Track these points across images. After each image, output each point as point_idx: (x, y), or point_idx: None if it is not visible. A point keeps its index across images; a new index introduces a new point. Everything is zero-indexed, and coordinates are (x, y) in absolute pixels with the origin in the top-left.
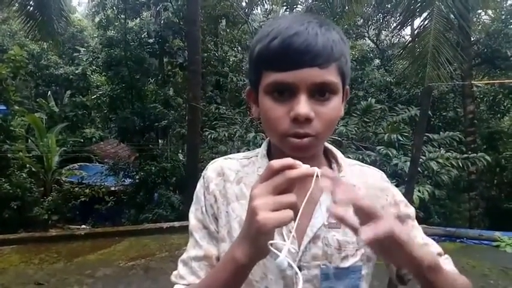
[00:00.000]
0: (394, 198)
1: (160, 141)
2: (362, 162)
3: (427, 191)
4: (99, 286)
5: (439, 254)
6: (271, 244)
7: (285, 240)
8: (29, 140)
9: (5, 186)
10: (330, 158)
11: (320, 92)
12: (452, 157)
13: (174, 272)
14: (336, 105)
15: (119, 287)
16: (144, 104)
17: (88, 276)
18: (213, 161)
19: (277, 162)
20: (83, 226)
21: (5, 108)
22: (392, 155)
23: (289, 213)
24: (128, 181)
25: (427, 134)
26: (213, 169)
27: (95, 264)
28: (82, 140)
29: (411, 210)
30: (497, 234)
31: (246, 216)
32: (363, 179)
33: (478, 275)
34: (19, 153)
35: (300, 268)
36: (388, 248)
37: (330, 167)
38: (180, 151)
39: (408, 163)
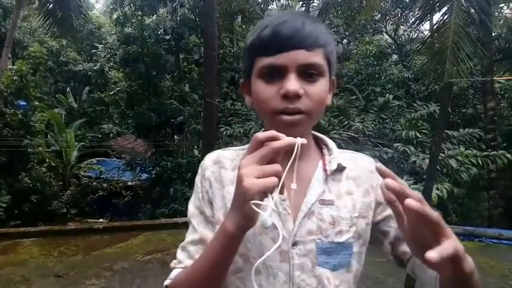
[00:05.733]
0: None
1: (176, 137)
2: (379, 159)
3: (446, 189)
4: (117, 279)
5: None
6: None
7: (274, 212)
8: (49, 135)
9: (25, 180)
10: (320, 145)
11: (308, 74)
12: (471, 155)
13: (174, 260)
14: (323, 87)
15: (137, 281)
16: (161, 100)
17: (106, 269)
18: (212, 152)
19: (262, 134)
20: (101, 220)
21: (25, 103)
22: (410, 152)
23: (273, 179)
24: (144, 176)
25: (446, 131)
26: (210, 158)
27: (112, 258)
28: (100, 136)
29: None
30: None
31: (236, 185)
32: (354, 163)
33: (498, 275)
34: (39, 148)
35: (295, 243)
36: (446, 264)
37: (321, 152)
38: (196, 147)
39: (426, 160)
